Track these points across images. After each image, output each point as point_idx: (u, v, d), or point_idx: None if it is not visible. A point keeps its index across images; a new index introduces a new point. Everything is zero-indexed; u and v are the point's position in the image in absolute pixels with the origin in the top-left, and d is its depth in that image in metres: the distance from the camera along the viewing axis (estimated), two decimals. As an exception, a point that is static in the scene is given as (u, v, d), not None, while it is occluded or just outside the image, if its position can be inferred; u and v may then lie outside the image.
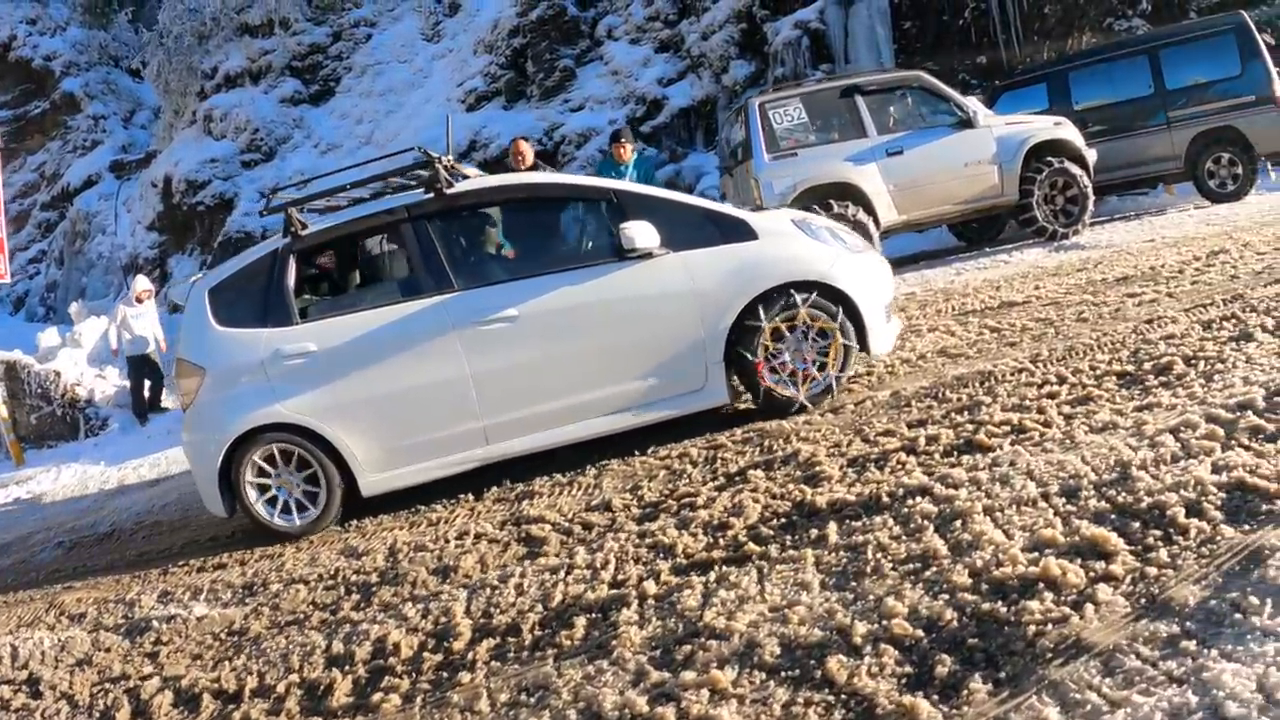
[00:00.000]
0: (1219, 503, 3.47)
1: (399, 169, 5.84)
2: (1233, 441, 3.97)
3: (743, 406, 6.30)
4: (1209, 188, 13.97)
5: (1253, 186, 14.06)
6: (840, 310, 5.66)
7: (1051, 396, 5.18)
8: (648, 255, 5.45)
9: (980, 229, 14.47)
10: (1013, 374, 5.74)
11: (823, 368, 5.77)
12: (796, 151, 11.37)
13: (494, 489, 5.94)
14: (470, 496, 5.88)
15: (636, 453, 5.85)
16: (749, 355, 5.58)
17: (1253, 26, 13.99)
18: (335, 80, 24.86)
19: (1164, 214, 13.34)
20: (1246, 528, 3.27)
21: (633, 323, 5.48)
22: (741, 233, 5.62)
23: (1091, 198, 12.08)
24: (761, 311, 5.55)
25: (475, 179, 6.04)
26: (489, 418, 5.52)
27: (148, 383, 14.04)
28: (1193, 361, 5.27)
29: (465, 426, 5.53)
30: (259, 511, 5.66)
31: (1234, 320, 5.97)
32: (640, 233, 5.37)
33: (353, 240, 6.51)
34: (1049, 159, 11.62)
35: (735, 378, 5.83)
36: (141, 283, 14.56)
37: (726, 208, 5.95)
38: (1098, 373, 5.45)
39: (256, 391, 5.49)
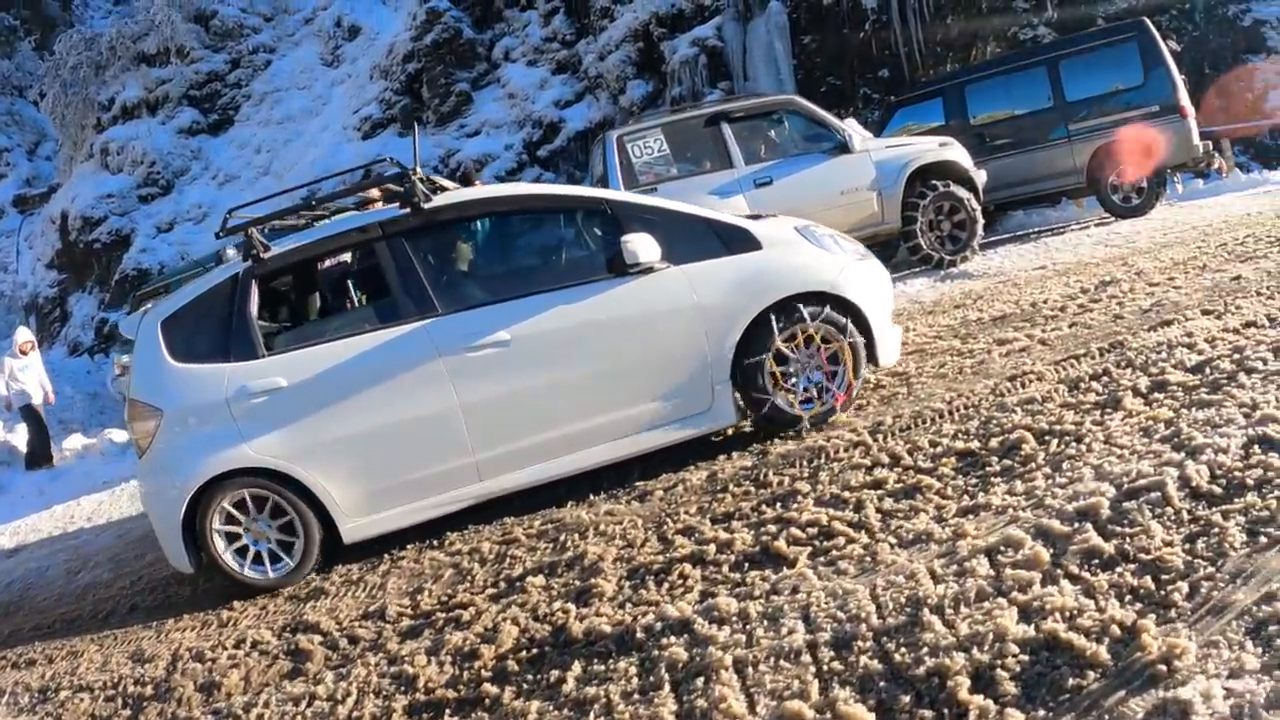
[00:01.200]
0: (1017, 669, 2.84)
1: (370, 182, 5.64)
2: (1059, 571, 3.31)
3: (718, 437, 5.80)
4: (1113, 202, 12.80)
5: (1159, 199, 12.90)
6: (849, 321, 5.39)
7: (877, 485, 4.54)
8: (648, 270, 5.16)
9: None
10: (846, 449, 5.10)
11: (827, 380, 5.46)
12: (656, 187, 10.06)
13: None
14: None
15: (434, 543, 5.40)
16: (758, 373, 5.28)
17: (1155, 32, 12.84)
18: (234, 109, 23.41)
19: (1063, 234, 12.23)
20: (1042, 714, 2.60)
21: (634, 342, 5.19)
22: (744, 243, 5.36)
23: (980, 222, 10.86)
24: (771, 324, 5.28)
25: (455, 191, 5.66)
26: (482, 452, 5.16)
27: (30, 437, 13.13)
28: (1046, 439, 4.56)
29: (456, 462, 5.17)
30: (227, 563, 5.18)
31: (1105, 379, 5.20)
32: (642, 246, 5.08)
33: (322, 262, 6.15)
34: (934, 183, 10.36)
35: (740, 396, 5.47)
36: (22, 334, 13.62)
37: (728, 216, 5.64)
38: (938, 451, 4.76)
39: (221, 433, 5.06)
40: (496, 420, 5.15)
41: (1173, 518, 3.42)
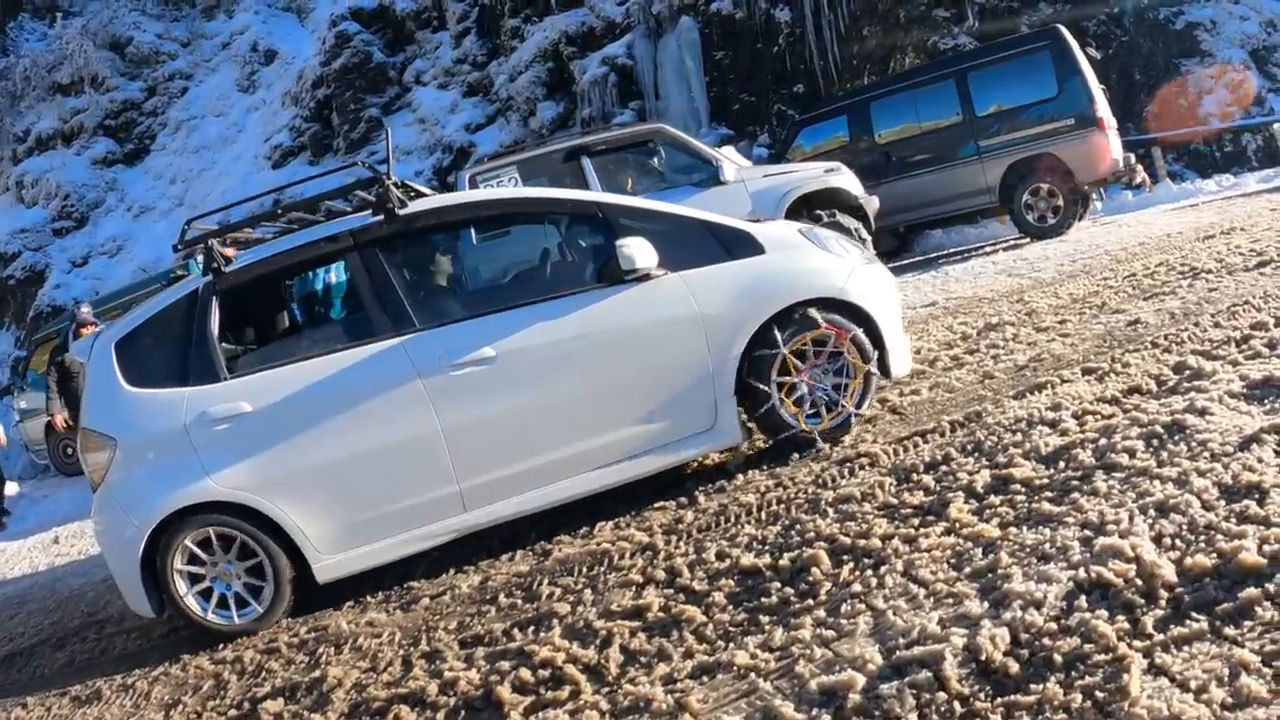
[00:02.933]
0: None
1: (341, 189, 5.17)
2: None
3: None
4: (1028, 222, 11.56)
5: (1076, 218, 11.67)
6: (859, 329, 5.02)
7: (637, 614, 3.80)
8: (645, 277, 4.79)
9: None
10: (631, 555, 4.41)
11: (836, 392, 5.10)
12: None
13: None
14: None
15: (207, 651, 4.83)
16: (763, 386, 4.90)
17: (1070, 41, 11.61)
18: (150, 138, 22.09)
19: (971, 259, 10.93)
20: None
21: (630, 357, 4.82)
22: (746, 247, 5.01)
23: (870, 253, 9.58)
24: (777, 335, 4.89)
25: (433, 197, 5.24)
26: (467, 479, 4.76)
27: None
28: (843, 560, 3.71)
29: (439, 491, 4.77)
30: (190, 606, 4.75)
31: (943, 468, 4.29)
32: (639, 251, 4.70)
33: (288, 275, 5.67)
34: (819, 213, 9.07)
35: (745, 413, 5.08)
36: None
37: (727, 219, 5.25)
38: (722, 567, 3.98)
39: (180, 464, 4.67)
40: (482, 445, 4.77)
41: (940, 711, 2.58)
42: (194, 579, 4.77)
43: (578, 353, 4.80)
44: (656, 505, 4.91)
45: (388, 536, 4.82)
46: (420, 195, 5.22)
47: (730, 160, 9.59)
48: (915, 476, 4.28)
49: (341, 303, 6.16)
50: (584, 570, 4.44)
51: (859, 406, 5.11)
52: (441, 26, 18.96)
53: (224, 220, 6.18)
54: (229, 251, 5.12)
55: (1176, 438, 3.78)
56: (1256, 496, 3.14)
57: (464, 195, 5.43)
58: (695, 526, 4.52)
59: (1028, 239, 11.70)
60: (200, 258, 4.97)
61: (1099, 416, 4.34)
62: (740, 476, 5.02)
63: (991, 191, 11.69)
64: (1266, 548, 2.81)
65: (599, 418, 4.85)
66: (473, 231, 5.60)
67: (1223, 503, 3.17)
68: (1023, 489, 3.82)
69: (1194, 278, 7.13)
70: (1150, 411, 4.14)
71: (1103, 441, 3.98)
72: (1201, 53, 16.88)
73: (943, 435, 4.78)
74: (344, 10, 19.26)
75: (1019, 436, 4.37)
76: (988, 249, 12.15)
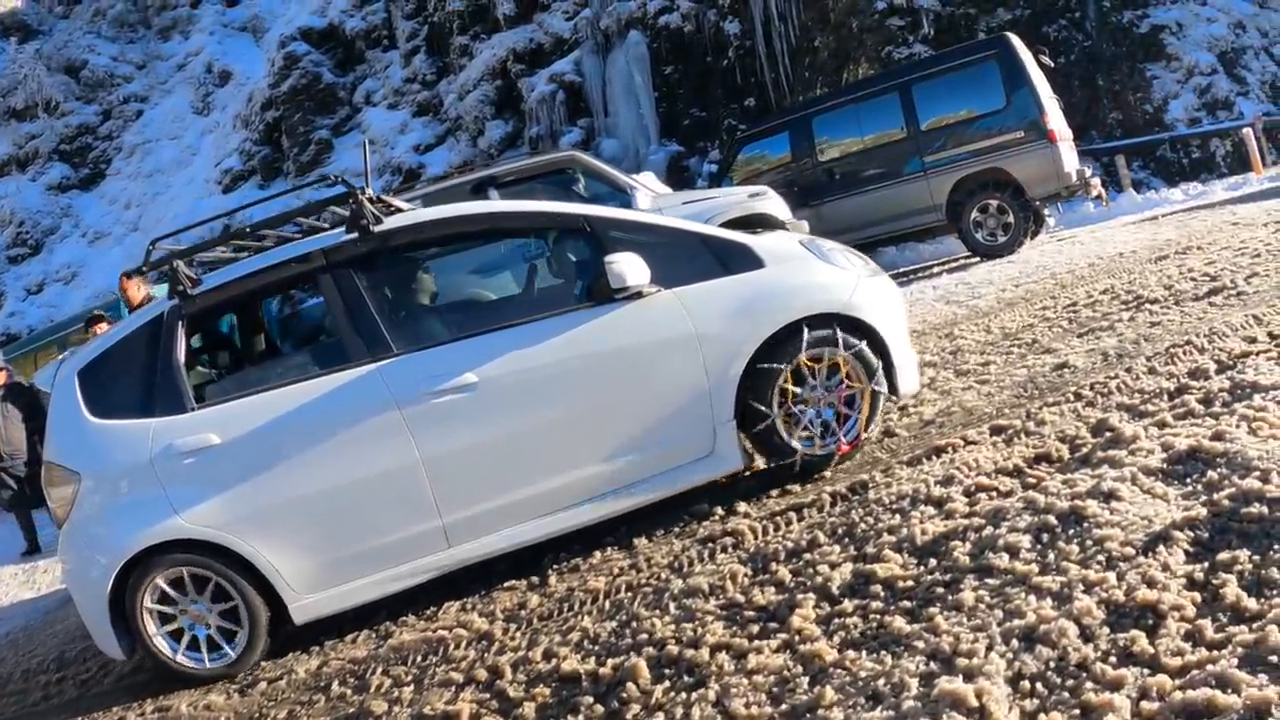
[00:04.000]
0: None
1: (315, 204, 4.90)
2: None
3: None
4: (976, 240, 10.82)
5: (1028, 236, 10.94)
6: (865, 345, 4.70)
7: None
8: (636, 295, 4.50)
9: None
10: (466, 644, 4.10)
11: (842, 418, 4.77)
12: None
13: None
14: None
15: None
16: (765, 409, 4.59)
17: (1019, 49, 10.88)
18: (106, 162, 21.45)
19: (914, 282, 10.25)
20: None
21: (622, 380, 4.55)
22: (744, 260, 4.74)
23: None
24: (781, 351, 4.60)
25: (411, 212, 4.91)
26: (450, 514, 4.50)
27: None
28: (661, 674, 3.30)
29: (420, 527, 4.50)
30: (159, 647, 4.49)
31: (804, 557, 3.82)
32: (630, 267, 4.41)
33: (257, 298, 5.45)
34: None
35: (747, 437, 4.78)
36: None
37: (724, 232, 5.04)
38: (543, 671, 3.61)
39: (147, 500, 4.42)
40: (465, 477, 4.52)
41: None
42: (165, 619, 4.53)
43: (566, 377, 4.54)
44: (507, 585, 4.58)
45: (368, 574, 4.57)
46: (397, 210, 4.89)
47: (646, 188, 8.86)
48: (773, 566, 3.78)
49: (315, 326, 5.91)
50: (418, 660, 4.11)
51: (866, 427, 4.81)
52: (392, 45, 18.30)
53: (193, 240, 5.89)
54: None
55: (1071, 532, 3.23)
56: (1149, 624, 2.63)
57: (444, 210, 5.02)
58: (537, 614, 4.16)
59: (977, 258, 10.97)
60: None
61: (994, 494, 3.79)
62: (597, 554, 4.61)
63: (938, 209, 10.96)
64: (1144, 706, 2.30)
65: (590, 446, 4.60)
66: (453, 249, 5.34)
67: (1106, 631, 2.65)
68: (882, 593, 3.29)
69: (1138, 308, 6.52)
70: (1051, 491, 3.57)
71: (987, 532, 3.42)
72: (1167, 56, 16.15)
73: (820, 511, 4.25)
74: (294, 31, 18.59)
75: (897, 519, 3.81)
76: (935, 269, 11.43)
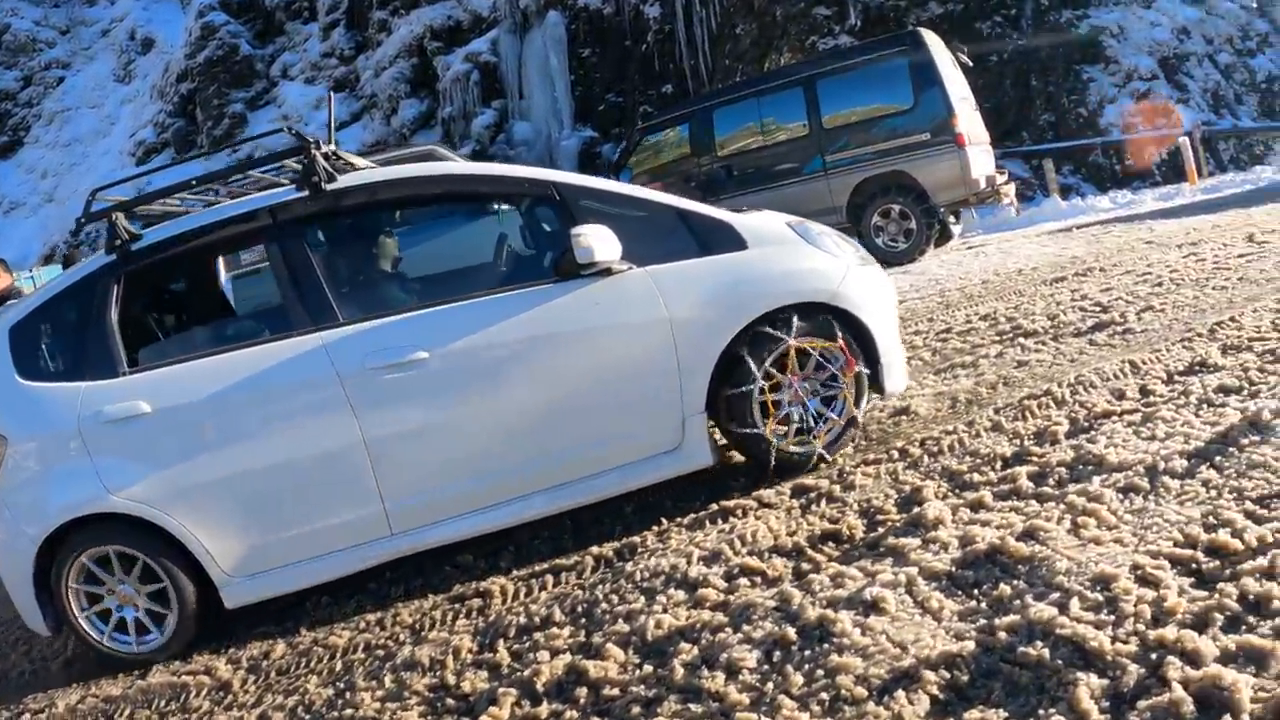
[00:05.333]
0: None
1: (265, 157, 4.44)
2: None
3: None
4: (876, 246, 9.87)
5: (930, 243, 10.01)
6: (852, 339, 4.30)
7: None
8: (605, 271, 4.07)
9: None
10: (204, 693, 3.70)
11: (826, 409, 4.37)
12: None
13: None
14: None
15: None
16: (745, 402, 4.18)
17: (930, 45, 9.90)
18: (25, 129, 20.13)
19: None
20: None
21: (585, 364, 4.14)
22: (726, 241, 4.27)
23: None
24: (759, 342, 4.21)
25: (367, 171, 4.38)
26: (393, 499, 4.11)
27: None
28: None
29: (361, 511, 4.11)
30: (84, 629, 4.14)
31: (535, 636, 3.37)
32: (598, 241, 3.96)
33: (199, 257, 4.92)
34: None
35: (721, 430, 4.43)
36: None
37: (705, 208, 4.47)
38: None
39: (74, 470, 4.05)
40: (410, 460, 4.17)
41: None
42: (92, 599, 4.23)
43: (524, 358, 4.16)
44: (259, 630, 4.24)
45: (304, 560, 4.21)
46: (353, 168, 4.45)
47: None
48: (499, 645, 3.35)
49: (259, 290, 5.61)
50: (160, 704, 3.82)
51: (853, 420, 4.44)
52: (313, 18, 17.10)
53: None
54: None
55: (808, 653, 2.68)
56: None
57: (402, 170, 4.62)
58: (276, 667, 3.83)
59: (877, 266, 10.04)
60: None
61: (757, 582, 3.23)
62: (352, 601, 4.25)
63: (839, 211, 9.99)
64: None
65: (547, 434, 4.23)
66: (411, 212, 5.08)
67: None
68: (584, 699, 2.87)
69: (1012, 341, 5.79)
70: (813, 590, 3.02)
71: (721, 637, 2.91)
72: (1106, 59, 15.17)
73: (578, 576, 3.78)
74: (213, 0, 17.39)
75: (641, 602, 3.31)
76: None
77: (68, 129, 19.27)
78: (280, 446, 4.13)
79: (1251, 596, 2.41)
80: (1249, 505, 2.88)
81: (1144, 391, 4.15)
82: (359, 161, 4.67)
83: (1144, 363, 4.62)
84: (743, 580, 3.23)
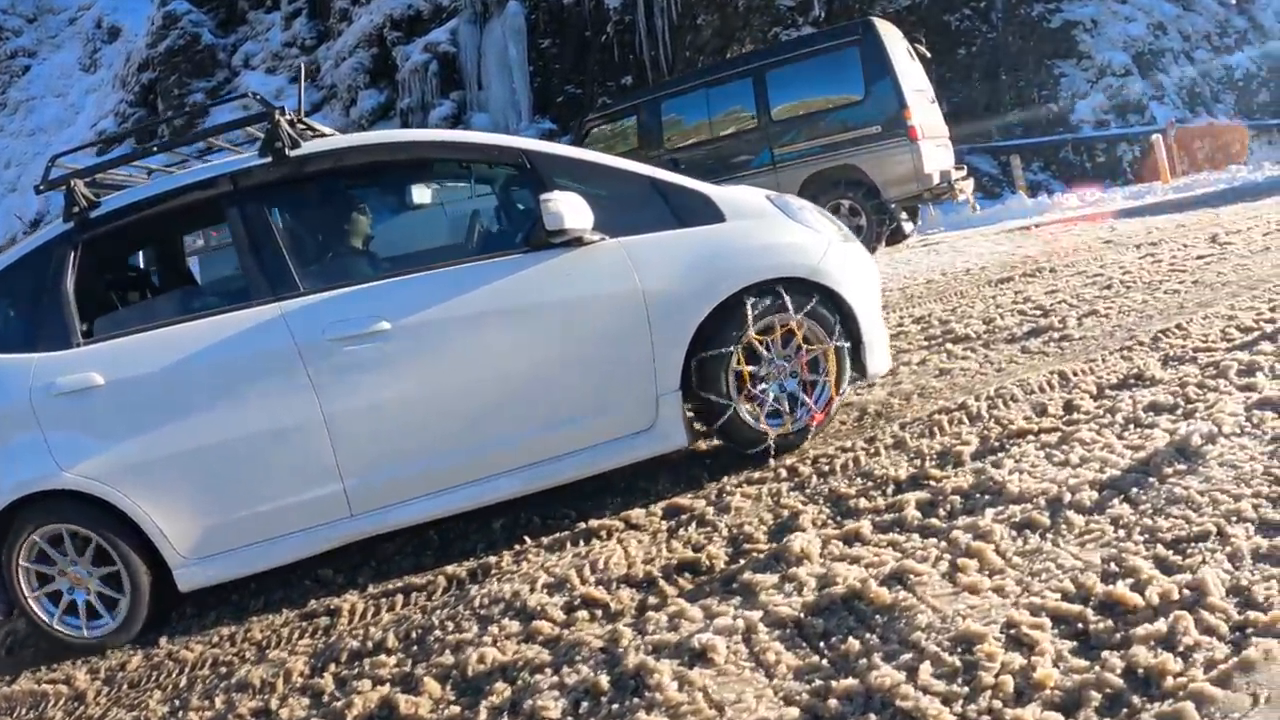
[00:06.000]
0: None
1: (229, 123, 4.34)
2: None
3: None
4: (827, 247, 9.41)
5: (881, 240, 9.58)
6: (836, 318, 4.13)
7: None
8: (576, 241, 3.88)
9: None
10: (60, 702, 3.61)
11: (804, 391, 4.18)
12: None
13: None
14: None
15: None
16: (720, 376, 4.00)
17: (883, 35, 9.44)
18: (-10, 119, 19.71)
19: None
20: None
21: (554, 339, 3.94)
22: (703, 213, 4.08)
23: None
24: (738, 315, 4.01)
25: (332, 138, 4.28)
26: (353, 477, 3.92)
27: None
28: None
29: (320, 490, 3.92)
30: (34, 610, 3.97)
31: (361, 664, 3.17)
32: (569, 208, 3.76)
33: (159, 225, 4.69)
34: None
35: (694, 409, 4.21)
36: None
37: (681, 178, 4.30)
38: None
39: (25, 444, 3.90)
40: (371, 437, 3.96)
41: None
42: (43, 579, 4.09)
43: (490, 331, 3.98)
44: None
45: (261, 541, 4.05)
46: (318, 135, 4.33)
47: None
48: (329, 669, 3.16)
49: (219, 259, 5.42)
50: (21, 712, 3.67)
51: (827, 410, 4.26)
52: (275, 6, 16.63)
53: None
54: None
55: (615, 707, 2.43)
56: None
57: (368, 136, 4.49)
58: (129, 679, 3.66)
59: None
60: None
61: (597, 616, 3.01)
62: (213, 613, 4.09)
63: (787, 208, 9.54)
64: None
65: (513, 411, 4.05)
66: (377, 179, 4.76)
67: None
68: None
69: (940, 347, 5.46)
70: (646, 631, 2.74)
71: (539, 678, 2.67)
72: (1079, 54, 14.70)
73: (429, 597, 3.58)
74: (177, -13, 16.93)
75: (474, 630, 3.10)
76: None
77: (32, 118, 18.87)
78: (236, 422, 3.95)
79: (1140, 670, 2.00)
80: (1160, 550, 2.50)
81: (1068, 407, 3.78)
82: (325, 129, 4.49)
83: (1075, 374, 4.23)
84: (582, 613, 2.99)
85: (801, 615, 2.57)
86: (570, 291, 4.00)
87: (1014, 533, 2.77)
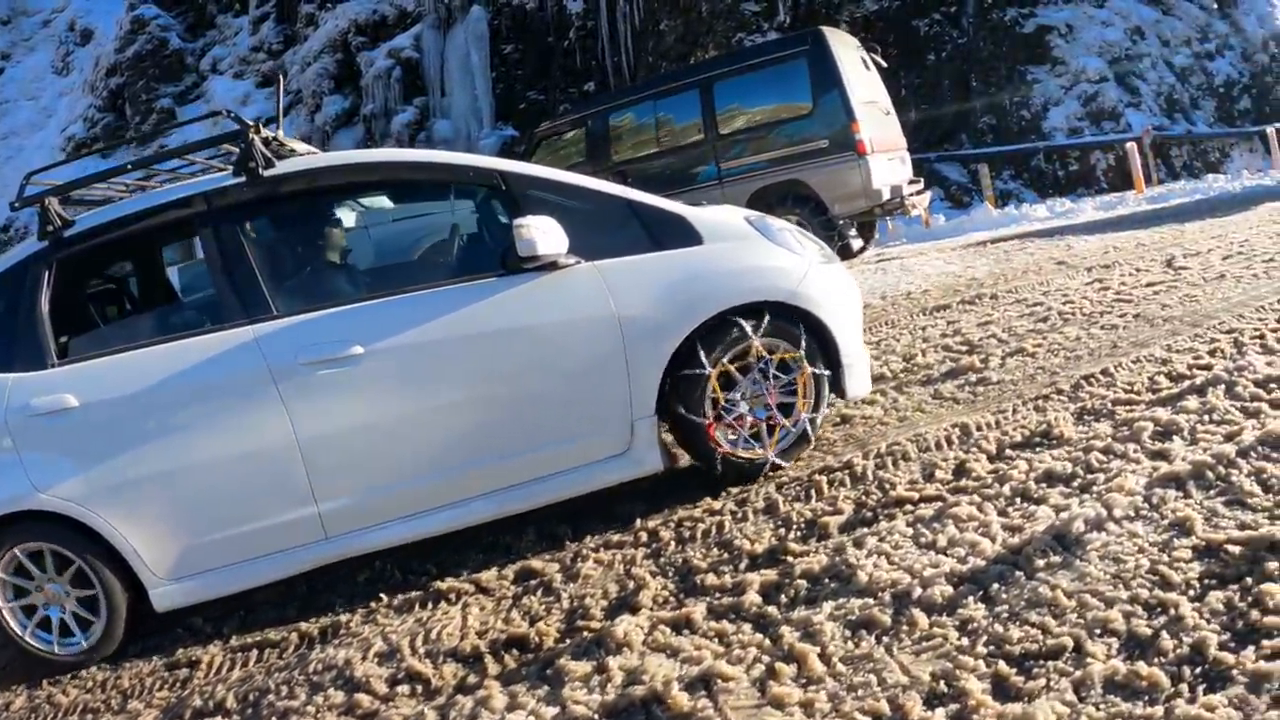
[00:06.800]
0: None
1: (204, 141, 4.26)
2: None
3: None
4: (774, 264, 9.09)
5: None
6: (811, 340, 4.07)
7: None
8: (551, 266, 3.85)
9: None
10: None
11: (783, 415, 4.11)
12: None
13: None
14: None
15: None
16: (697, 403, 3.96)
17: (832, 45, 9.10)
18: (-35, 123, 19.46)
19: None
20: None
21: (528, 363, 3.93)
22: (679, 235, 4.06)
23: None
24: (716, 341, 3.98)
25: (307, 157, 4.23)
26: (327, 501, 3.89)
27: None
28: None
29: (294, 514, 3.89)
30: (7, 620, 3.91)
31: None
32: (543, 233, 3.74)
33: (133, 244, 4.71)
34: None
35: (671, 435, 4.17)
36: None
37: (658, 200, 4.27)
38: None
39: (1, 465, 3.86)
40: (345, 461, 3.93)
41: None
42: (19, 591, 4.06)
43: (464, 356, 3.95)
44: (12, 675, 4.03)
45: (236, 563, 4.01)
46: (293, 154, 4.30)
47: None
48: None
49: (194, 280, 5.37)
50: None
51: (811, 424, 4.23)
52: (244, 11, 16.35)
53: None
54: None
55: None
56: None
57: (343, 156, 4.49)
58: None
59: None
60: None
61: (416, 691, 2.93)
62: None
63: (734, 224, 9.22)
64: None
65: (487, 436, 4.02)
66: (352, 200, 4.82)
67: None
68: None
69: None
70: (449, 717, 2.71)
71: None
72: (1053, 59, 14.30)
73: (281, 654, 3.55)
74: (146, -9, 16.66)
75: (301, 698, 3.07)
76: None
77: (4, 121, 18.64)
78: (210, 444, 3.94)
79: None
80: (1002, 668, 2.24)
81: (959, 471, 3.50)
82: (301, 147, 4.47)
83: (979, 428, 3.95)
84: (403, 688, 2.93)
85: (595, 717, 2.43)
86: (544, 316, 3.95)
87: (848, 633, 2.53)
